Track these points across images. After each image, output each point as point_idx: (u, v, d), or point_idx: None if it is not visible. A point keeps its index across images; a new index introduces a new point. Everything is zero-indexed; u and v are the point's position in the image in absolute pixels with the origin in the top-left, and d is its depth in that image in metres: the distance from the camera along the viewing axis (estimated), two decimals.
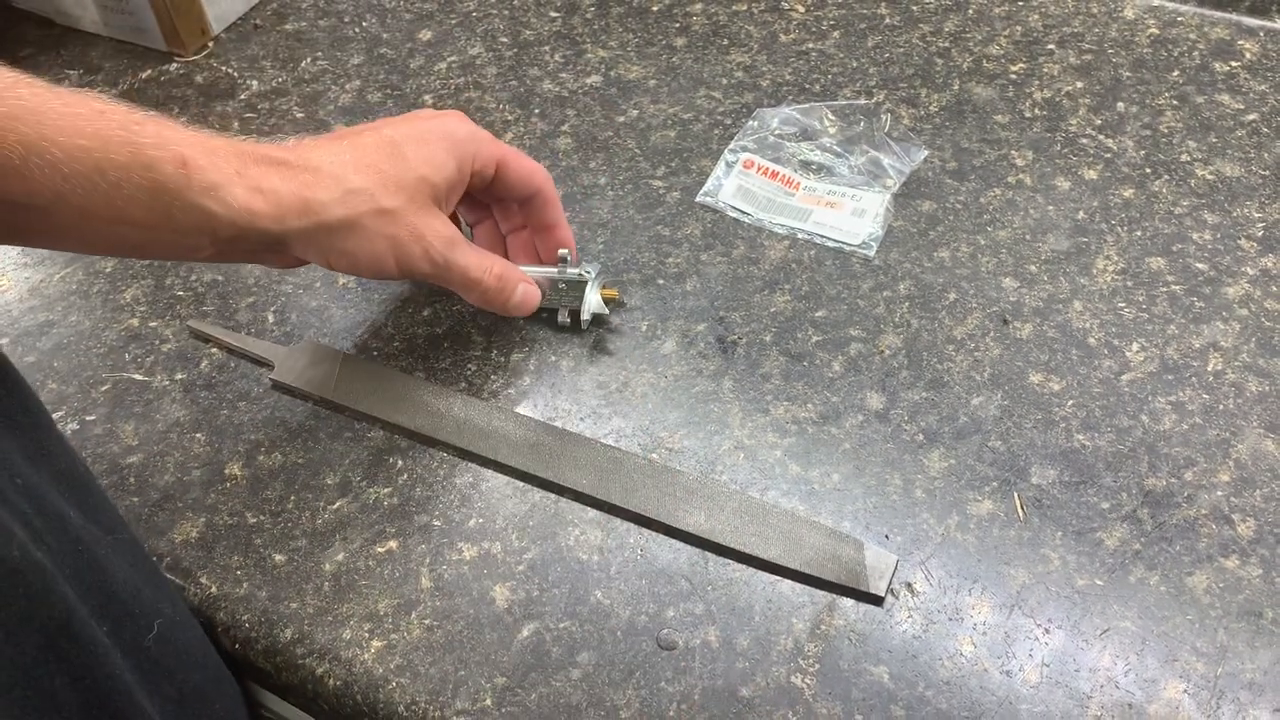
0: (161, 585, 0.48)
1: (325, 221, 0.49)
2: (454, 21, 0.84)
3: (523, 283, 0.57)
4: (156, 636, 0.44)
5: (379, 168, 0.51)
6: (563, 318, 0.61)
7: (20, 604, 0.35)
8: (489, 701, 0.47)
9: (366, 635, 0.50)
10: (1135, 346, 0.59)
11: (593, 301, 0.60)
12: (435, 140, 0.53)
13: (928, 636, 0.48)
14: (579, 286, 0.60)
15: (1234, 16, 0.78)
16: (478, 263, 0.55)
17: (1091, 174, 0.68)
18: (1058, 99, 0.73)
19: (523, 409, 0.58)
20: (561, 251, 0.60)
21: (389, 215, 0.51)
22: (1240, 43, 0.76)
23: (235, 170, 0.46)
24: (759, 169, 0.69)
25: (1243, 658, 0.47)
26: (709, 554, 0.52)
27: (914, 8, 0.81)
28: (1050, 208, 0.66)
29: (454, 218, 0.59)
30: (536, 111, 0.75)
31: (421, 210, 0.52)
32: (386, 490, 0.55)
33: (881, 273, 0.63)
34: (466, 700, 0.47)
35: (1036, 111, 0.72)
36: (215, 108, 0.78)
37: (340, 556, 0.53)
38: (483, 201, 0.62)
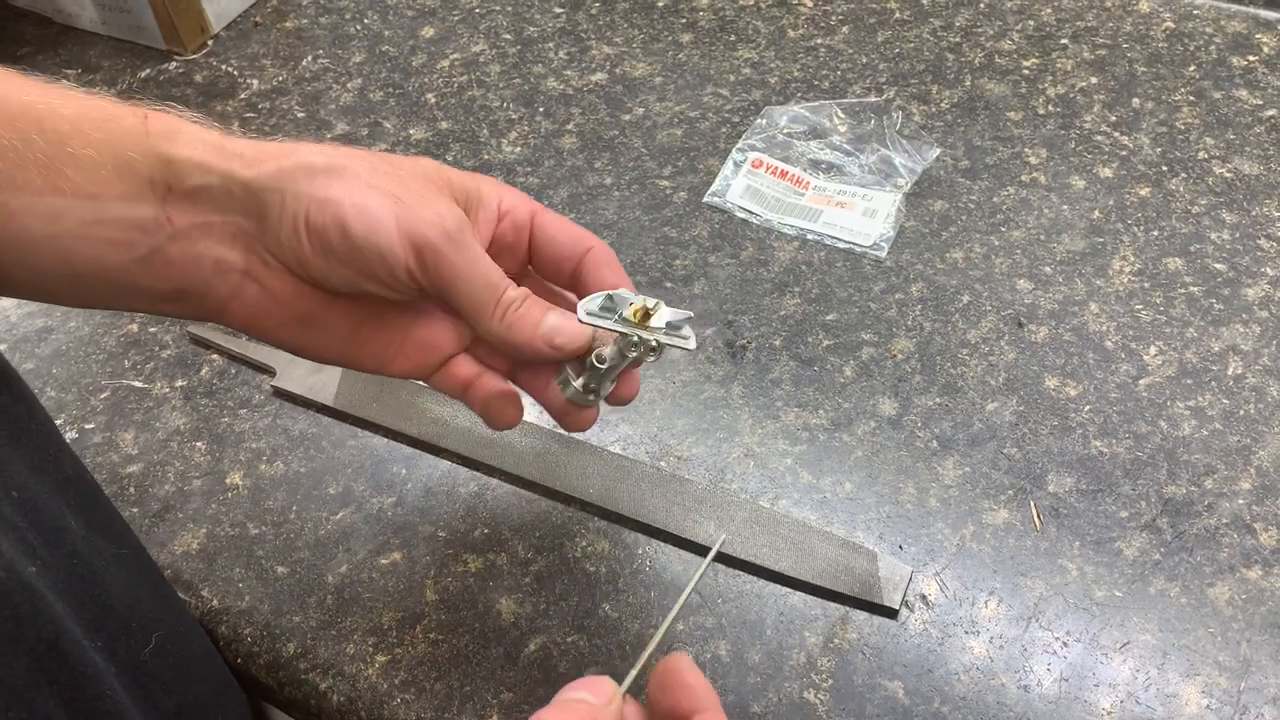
0: (166, 597, 0.47)
1: (308, 161, 0.40)
2: (456, 18, 0.83)
3: (553, 311, 0.42)
4: (154, 650, 0.43)
5: (373, 155, 0.42)
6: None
7: (8, 626, 0.35)
8: (495, 718, 0.46)
9: (370, 650, 0.49)
10: (1153, 350, 0.58)
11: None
12: (452, 168, 0.44)
13: (943, 650, 0.47)
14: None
15: (1251, 9, 0.76)
16: (500, 271, 0.42)
17: (1107, 172, 0.67)
18: (1072, 95, 0.72)
19: (528, 416, 0.57)
20: (620, 291, 0.42)
21: (391, 175, 0.41)
22: (1258, 36, 0.75)
23: (203, 126, 0.40)
24: (768, 168, 0.68)
25: (1266, 671, 0.46)
26: (719, 565, 0.51)
27: (924, 1, 0.80)
28: (1065, 207, 0.65)
29: None
30: (541, 110, 0.74)
31: (430, 187, 0.41)
32: (390, 500, 0.54)
33: (893, 274, 0.62)
34: (473, 716, 0.46)
35: (1050, 108, 0.71)
36: (215, 107, 0.77)
37: (344, 568, 0.52)
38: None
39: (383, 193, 0.40)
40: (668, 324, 0.41)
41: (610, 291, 0.41)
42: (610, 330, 0.41)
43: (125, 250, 0.39)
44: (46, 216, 0.38)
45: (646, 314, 0.41)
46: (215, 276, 0.41)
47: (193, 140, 0.39)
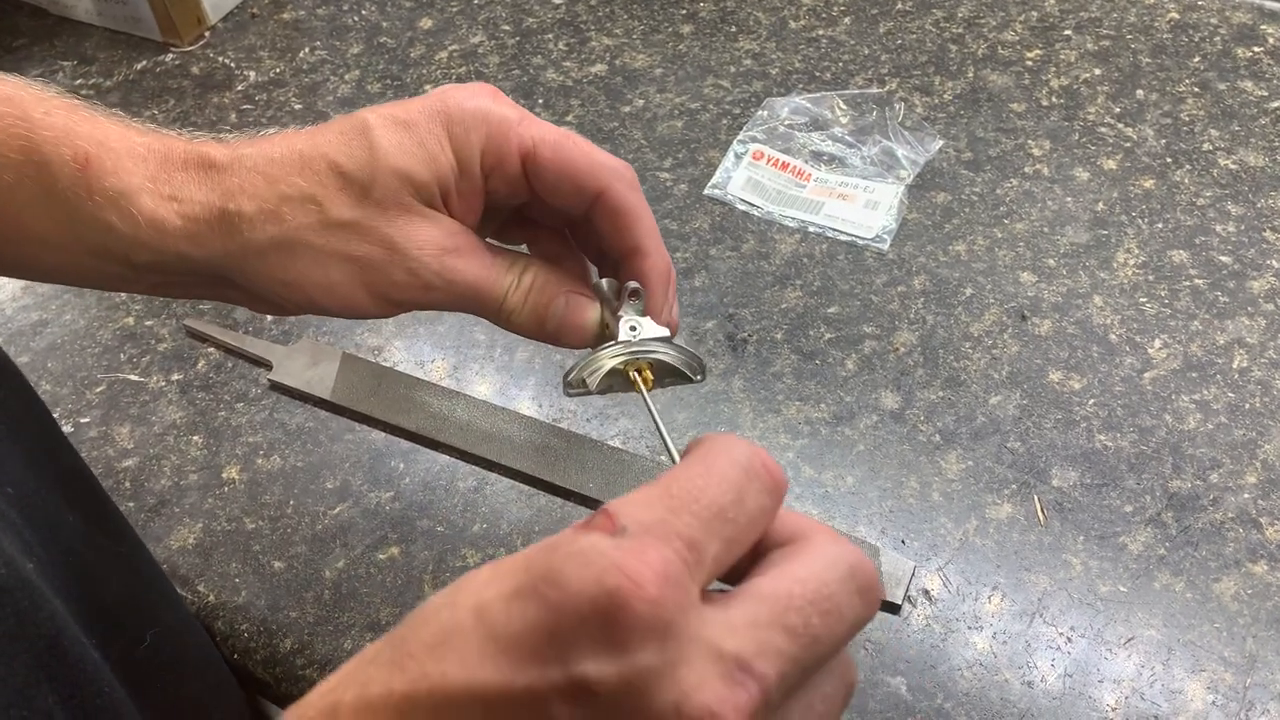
0: (163, 593, 0.47)
1: (252, 242, 0.36)
2: (455, 9, 0.82)
3: (566, 293, 0.40)
4: (148, 647, 0.43)
5: (334, 163, 0.37)
6: (572, 376, 0.39)
7: (9, 623, 0.34)
8: None
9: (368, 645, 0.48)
10: (1158, 343, 0.57)
11: (604, 367, 0.39)
12: (426, 122, 0.37)
13: (946, 646, 0.47)
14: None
15: (1256, 0, 0.76)
16: (495, 274, 0.39)
17: (1111, 164, 0.66)
18: (1075, 86, 0.71)
19: (528, 410, 0.57)
20: (631, 284, 0.39)
21: (346, 229, 0.37)
22: (1263, 27, 0.74)
23: (149, 175, 0.36)
24: (769, 160, 0.68)
25: (1272, 667, 0.45)
26: None
27: None
28: (1069, 199, 0.64)
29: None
30: (540, 102, 0.74)
31: (399, 216, 0.37)
32: (388, 494, 0.54)
33: (896, 267, 0.62)
34: None
35: (1054, 99, 0.70)
36: (211, 99, 0.76)
37: (341, 563, 0.51)
38: (550, 226, 0.43)
39: (344, 259, 0.37)
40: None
41: (591, 355, 0.39)
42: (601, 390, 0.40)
43: (121, 282, 0.39)
44: (32, 261, 0.37)
45: (639, 371, 0.39)
46: (217, 297, 0.41)
47: (131, 209, 0.36)
